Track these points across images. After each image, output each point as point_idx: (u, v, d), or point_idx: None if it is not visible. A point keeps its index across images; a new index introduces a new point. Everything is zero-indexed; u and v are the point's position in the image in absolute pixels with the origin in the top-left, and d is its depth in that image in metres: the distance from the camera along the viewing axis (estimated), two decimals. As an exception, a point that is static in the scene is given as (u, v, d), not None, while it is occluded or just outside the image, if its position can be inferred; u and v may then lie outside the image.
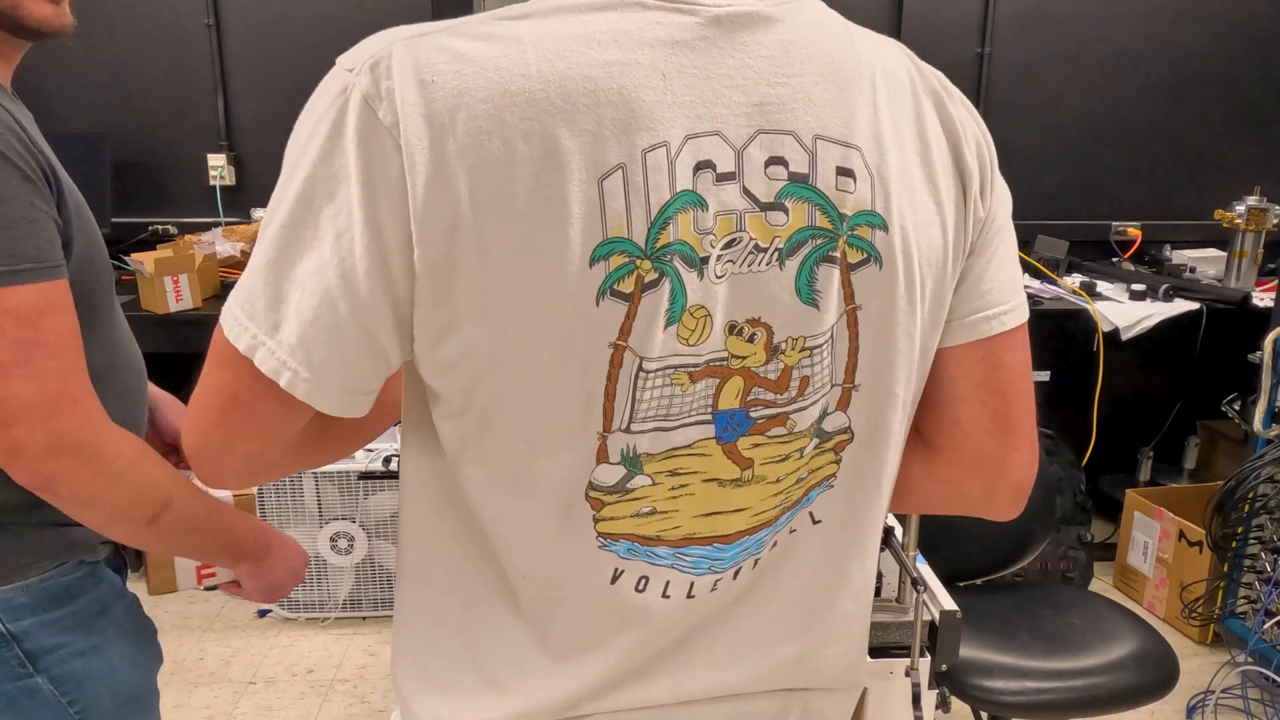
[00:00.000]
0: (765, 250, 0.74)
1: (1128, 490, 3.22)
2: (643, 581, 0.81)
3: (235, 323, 0.71)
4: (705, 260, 0.72)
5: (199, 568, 2.81)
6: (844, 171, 0.75)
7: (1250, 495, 2.55)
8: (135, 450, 1.05)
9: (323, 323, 0.69)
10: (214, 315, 0.72)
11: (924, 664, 1.47)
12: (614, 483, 0.77)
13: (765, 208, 0.73)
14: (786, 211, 0.74)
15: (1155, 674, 1.79)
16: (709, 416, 0.77)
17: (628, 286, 0.70)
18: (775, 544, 0.85)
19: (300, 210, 0.69)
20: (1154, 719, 2.57)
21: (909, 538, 1.48)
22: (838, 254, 0.76)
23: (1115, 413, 3.91)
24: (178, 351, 2.35)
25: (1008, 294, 0.86)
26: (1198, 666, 2.80)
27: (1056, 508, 2.17)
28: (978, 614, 1.95)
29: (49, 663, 1.13)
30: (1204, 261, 3.55)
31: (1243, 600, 2.70)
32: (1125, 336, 3.10)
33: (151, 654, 1.43)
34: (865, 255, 0.76)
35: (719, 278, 0.73)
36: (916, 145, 0.79)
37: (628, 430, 0.75)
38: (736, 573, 0.84)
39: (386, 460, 1.57)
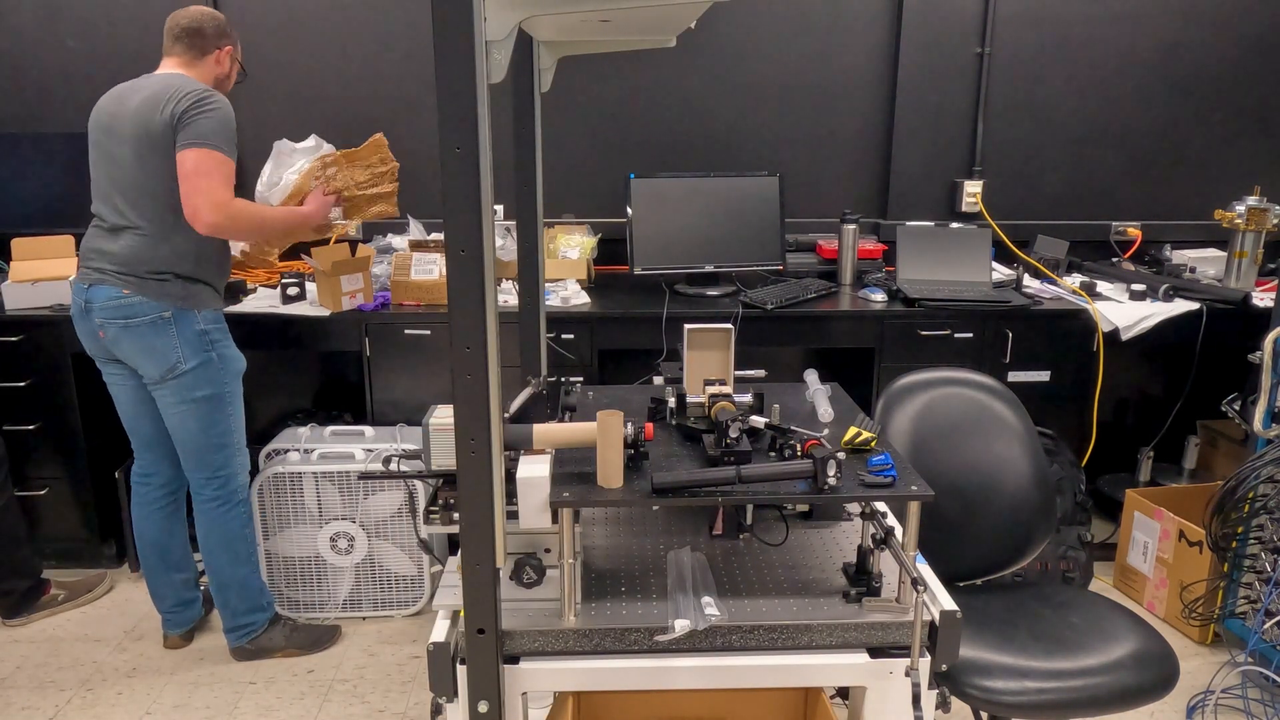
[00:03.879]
0: None
1: (1128, 490, 3.22)
2: None
3: None
4: None
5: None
6: None
7: (1250, 495, 2.55)
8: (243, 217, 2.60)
9: None
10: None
11: (924, 664, 1.47)
12: None
13: None
14: None
15: (1155, 674, 1.79)
16: None
17: None
18: None
19: None
20: (1154, 719, 2.57)
21: (909, 538, 1.48)
22: None
23: (1115, 413, 3.91)
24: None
25: None
26: (1198, 666, 2.80)
27: (1056, 508, 2.17)
28: (978, 614, 1.95)
29: (216, 346, 2.61)
30: (1204, 261, 3.55)
31: (1243, 600, 2.70)
32: (1125, 336, 3.10)
33: (242, 355, 2.72)
34: None
35: None
36: None
37: None
38: None
39: (386, 460, 1.57)
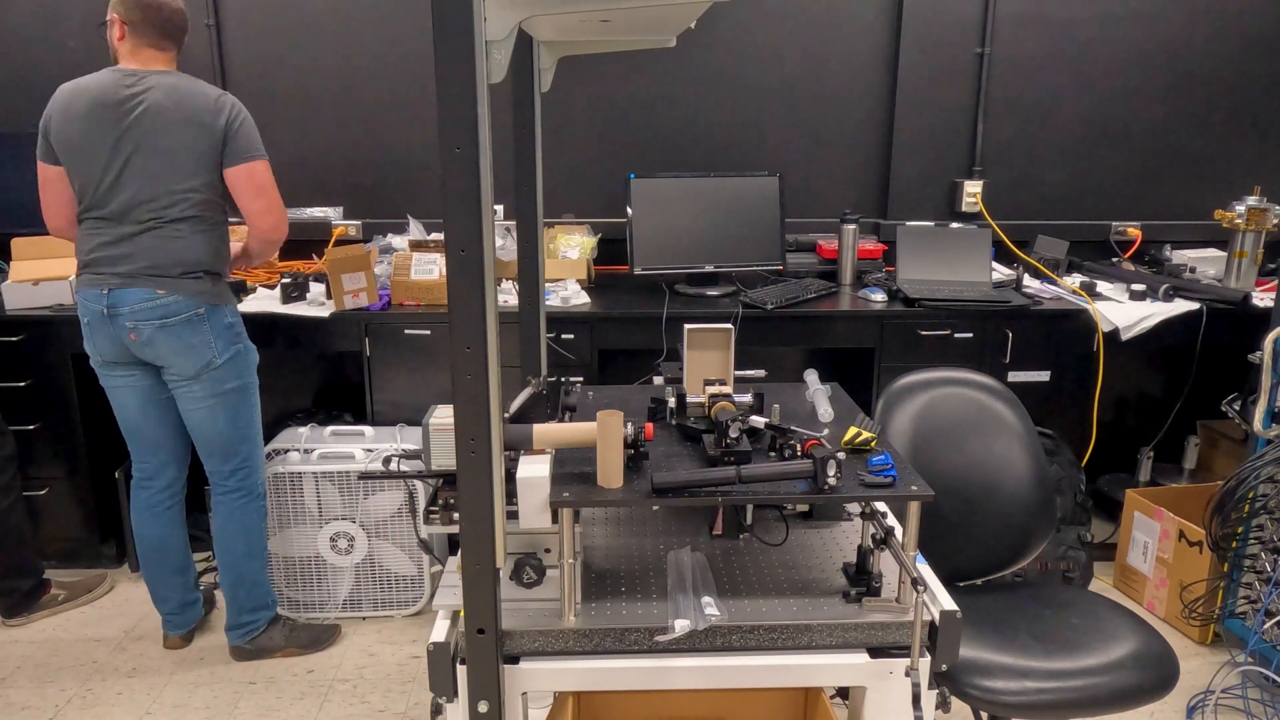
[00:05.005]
0: None
1: (1128, 490, 3.22)
2: None
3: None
4: None
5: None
6: None
7: (1250, 495, 2.55)
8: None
9: None
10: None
11: (924, 664, 1.47)
12: None
13: None
14: None
15: (1155, 674, 1.79)
16: None
17: None
18: None
19: None
20: (1154, 719, 2.57)
21: (909, 538, 1.48)
22: None
23: (1115, 413, 3.91)
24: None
25: None
26: (1198, 666, 2.80)
27: (1056, 508, 2.17)
28: (978, 614, 1.95)
29: (243, 339, 2.67)
30: (1204, 261, 3.55)
31: (1243, 600, 2.69)
32: (1125, 336, 3.10)
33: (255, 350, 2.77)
34: None
35: None
36: None
37: None
38: None
39: (386, 460, 1.57)
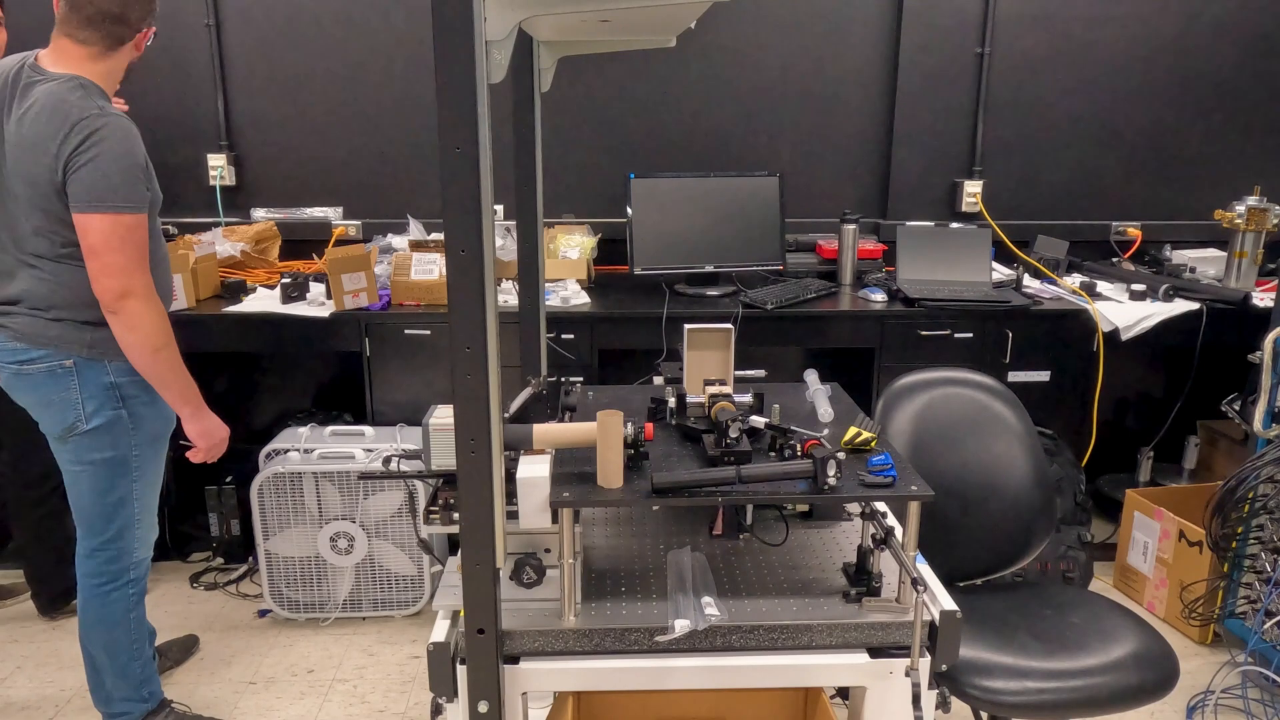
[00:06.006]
0: None
1: (1128, 490, 3.22)
2: None
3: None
4: None
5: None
6: None
7: (1250, 495, 2.55)
8: (158, 308, 2.12)
9: None
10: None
11: (924, 664, 1.47)
12: None
13: None
14: None
15: (1155, 674, 1.79)
16: None
17: None
18: None
19: None
20: (1154, 719, 2.57)
21: (909, 538, 1.48)
22: None
23: (1115, 413, 3.91)
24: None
25: None
26: (1198, 666, 2.80)
27: (1056, 508, 2.17)
28: (978, 614, 1.95)
29: (129, 404, 2.17)
30: (1204, 261, 3.55)
31: (1243, 600, 2.69)
32: (1125, 336, 3.10)
33: (170, 416, 2.28)
34: None
35: None
36: None
37: None
38: None
39: (386, 460, 1.57)
